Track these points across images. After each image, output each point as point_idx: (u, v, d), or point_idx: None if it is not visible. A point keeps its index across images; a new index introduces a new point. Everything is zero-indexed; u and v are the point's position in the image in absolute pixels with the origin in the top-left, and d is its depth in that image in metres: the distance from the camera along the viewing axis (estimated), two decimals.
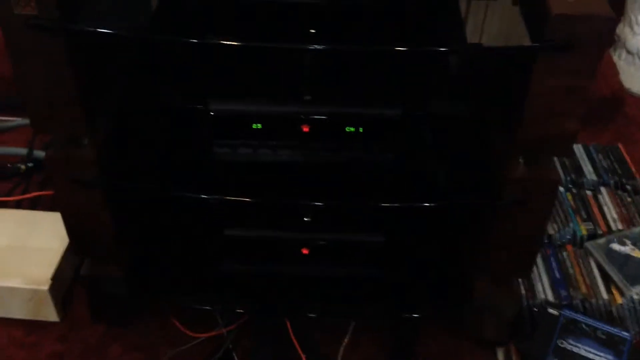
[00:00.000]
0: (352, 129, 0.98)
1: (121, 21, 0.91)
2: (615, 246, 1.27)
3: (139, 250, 1.16)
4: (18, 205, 1.40)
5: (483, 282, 1.10)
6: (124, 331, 1.21)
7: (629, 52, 1.76)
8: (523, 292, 1.19)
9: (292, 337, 1.15)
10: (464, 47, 0.91)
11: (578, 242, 1.30)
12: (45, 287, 1.18)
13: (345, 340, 1.19)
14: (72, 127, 0.92)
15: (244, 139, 1.00)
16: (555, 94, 0.84)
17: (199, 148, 1.05)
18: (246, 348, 1.18)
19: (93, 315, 1.21)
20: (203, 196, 1.01)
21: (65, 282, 1.25)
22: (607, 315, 1.18)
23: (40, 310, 1.20)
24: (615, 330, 1.13)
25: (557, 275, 1.23)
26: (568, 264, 1.25)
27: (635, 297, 1.18)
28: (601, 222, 1.32)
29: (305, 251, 1.12)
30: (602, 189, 1.39)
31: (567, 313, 1.14)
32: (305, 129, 0.98)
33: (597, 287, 1.21)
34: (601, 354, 1.10)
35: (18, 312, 1.21)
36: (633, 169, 1.43)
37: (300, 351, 1.15)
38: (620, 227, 1.31)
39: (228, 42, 0.84)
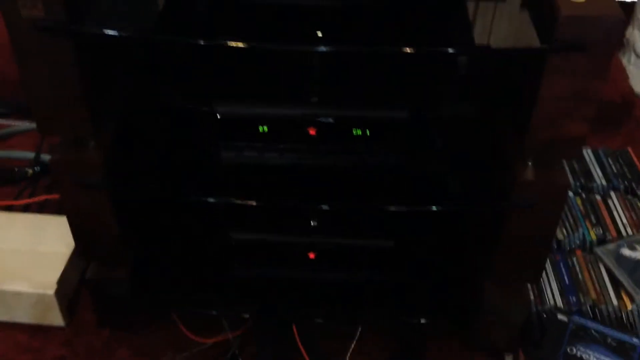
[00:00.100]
0: (360, 132, 0.98)
1: (127, 22, 0.90)
2: (626, 251, 1.26)
3: (144, 254, 1.16)
4: (25, 209, 1.40)
5: (491, 287, 1.09)
6: (129, 336, 1.20)
7: (638, 56, 1.75)
8: (532, 298, 1.18)
9: (299, 343, 1.14)
10: (472, 48, 0.90)
11: (587, 248, 1.29)
12: (51, 291, 1.17)
13: (352, 345, 1.18)
14: (77, 129, 0.92)
15: (250, 142, 1.00)
16: (565, 96, 0.84)
17: (205, 150, 1.05)
18: (252, 353, 1.17)
19: (98, 320, 1.21)
20: (209, 199, 1.00)
21: (71, 287, 1.24)
22: (617, 321, 1.17)
23: (45, 314, 1.20)
24: (626, 336, 1.11)
25: (567, 281, 1.22)
26: (577, 269, 1.24)
27: None
28: (611, 227, 1.31)
29: (311, 255, 1.11)
30: (612, 194, 1.38)
31: (577, 319, 1.13)
32: (312, 131, 0.98)
33: (607, 292, 1.20)
34: None
35: (23, 316, 1.21)
36: None
37: (306, 357, 1.14)
38: (630, 232, 1.30)
39: (235, 44, 0.84)
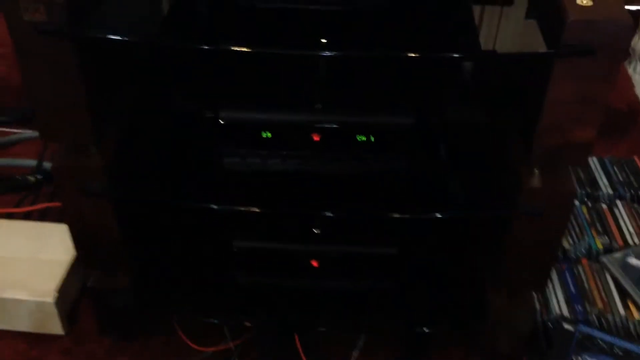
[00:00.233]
0: (364, 138, 0.97)
1: (130, 26, 0.90)
2: (632, 260, 1.25)
3: (146, 261, 1.15)
4: (26, 217, 1.39)
5: (497, 295, 1.08)
6: (130, 345, 1.19)
7: None
8: (538, 307, 1.17)
9: (301, 352, 1.13)
10: (478, 53, 0.89)
11: (594, 256, 1.28)
12: (51, 299, 1.16)
13: (356, 354, 1.17)
14: (79, 134, 0.91)
15: (253, 148, 0.99)
16: (572, 101, 0.83)
17: (207, 157, 1.04)
18: None
19: (100, 328, 1.20)
20: (212, 206, 0.99)
21: (72, 295, 1.23)
22: (624, 331, 1.16)
23: (45, 323, 1.19)
24: (633, 346, 1.10)
25: (573, 290, 1.21)
26: (583, 278, 1.23)
27: None
28: (617, 236, 1.30)
29: (315, 263, 1.10)
30: (618, 202, 1.37)
31: (583, 329, 1.12)
32: (316, 137, 0.97)
33: (614, 302, 1.19)
34: None
35: (23, 324, 1.19)
36: None
37: None
38: (637, 241, 1.29)
39: (239, 49, 0.83)
